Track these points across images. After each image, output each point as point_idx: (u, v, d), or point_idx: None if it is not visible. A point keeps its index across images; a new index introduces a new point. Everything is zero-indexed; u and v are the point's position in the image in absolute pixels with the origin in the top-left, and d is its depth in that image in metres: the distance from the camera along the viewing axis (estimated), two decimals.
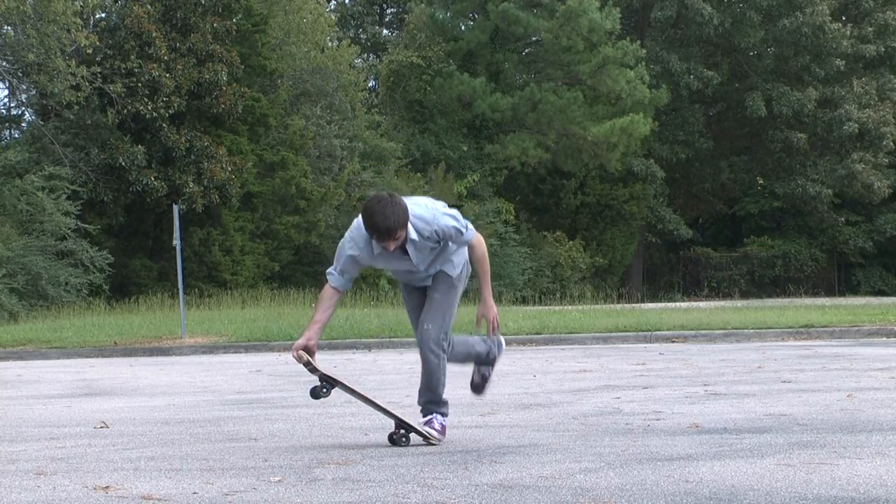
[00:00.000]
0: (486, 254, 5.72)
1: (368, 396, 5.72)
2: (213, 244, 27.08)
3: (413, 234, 5.40)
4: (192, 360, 13.90)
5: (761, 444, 5.27)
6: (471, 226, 5.64)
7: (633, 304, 28.76)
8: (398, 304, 22.18)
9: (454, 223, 5.51)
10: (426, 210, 5.49)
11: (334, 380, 5.54)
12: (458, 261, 5.74)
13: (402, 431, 5.57)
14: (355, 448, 5.50)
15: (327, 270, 5.66)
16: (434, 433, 5.57)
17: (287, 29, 31.41)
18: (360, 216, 5.41)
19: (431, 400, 5.67)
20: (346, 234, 5.60)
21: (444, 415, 5.69)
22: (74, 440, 6.11)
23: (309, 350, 5.57)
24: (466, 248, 5.74)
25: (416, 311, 5.79)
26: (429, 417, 5.64)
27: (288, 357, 13.94)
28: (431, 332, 5.58)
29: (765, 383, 8.49)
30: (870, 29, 41.66)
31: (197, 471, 4.87)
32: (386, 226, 5.24)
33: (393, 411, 5.67)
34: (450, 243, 5.60)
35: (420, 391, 5.72)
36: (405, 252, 5.49)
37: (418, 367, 5.78)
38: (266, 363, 12.80)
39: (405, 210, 5.30)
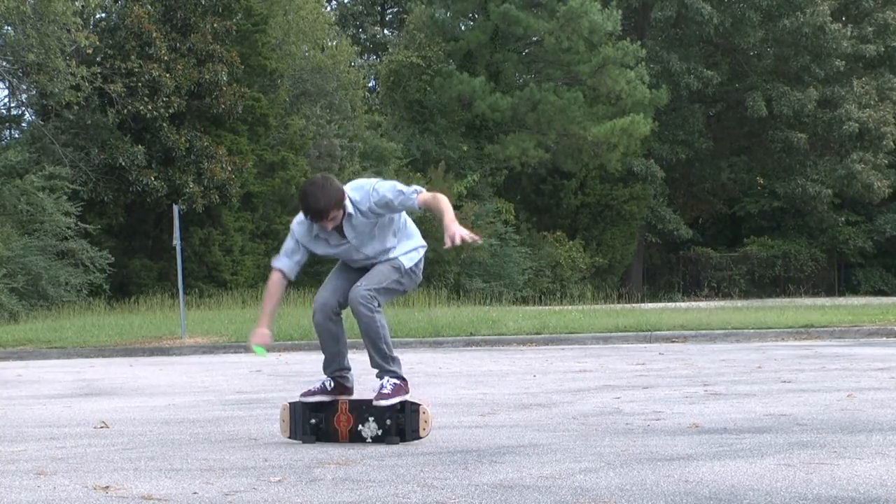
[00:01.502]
0: (444, 199, 5.62)
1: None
2: (213, 244, 27.08)
3: (350, 209, 5.53)
4: (192, 360, 13.90)
5: (761, 444, 5.27)
6: (420, 189, 5.65)
7: (633, 304, 28.76)
8: (398, 305, 22.19)
9: (391, 186, 5.59)
10: (364, 184, 5.63)
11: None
12: (413, 256, 5.79)
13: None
14: (355, 448, 5.50)
15: (275, 257, 5.82)
16: (383, 402, 5.56)
17: (287, 29, 31.41)
18: None
19: (381, 357, 5.65)
20: (294, 221, 5.77)
21: (393, 374, 5.63)
22: (74, 440, 6.11)
23: (265, 339, 5.75)
24: (422, 251, 5.81)
25: (336, 279, 5.79)
26: (380, 383, 5.64)
27: (288, 357, 13.96)
28: (361, 289, 5.61)
29: (765, 383, 8.49)
30: (870, 29, 41.66)
31: (197, 471, 4.87)
32: (317, 207, 5.42)
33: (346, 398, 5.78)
34: (395, 219, 5.67)
35: (369, 355, 5.71)
36: (343, 235, 5.61)
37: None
38: (266, 363, 12.80)
39: (339, 190, 5.46)
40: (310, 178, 5.67)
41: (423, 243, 5.94)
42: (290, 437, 5.83)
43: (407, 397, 5.64)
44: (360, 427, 5.68)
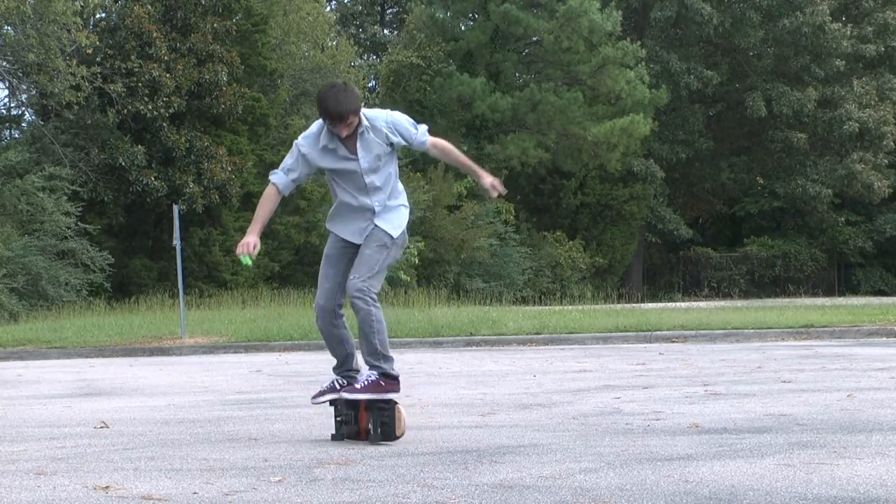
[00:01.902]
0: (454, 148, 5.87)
1: None
2: (213, 244, 27.08)
3: (366, 122, 5.61)
4: (192, 360, 13.90)
5: (761, 444, 5.27)
6: (426, 130, 5.78)
7: (633, 304, 28.76)
8: (398, 304, 22.19)
9: (405, 117, 5.76)
10: (378, 110, 5.76)
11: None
12: (399, 221, 5.78)
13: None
14: (355, 448, 5.50)
15: (272, 171, 5.87)
16: (346, 395, 5.59)
17: (287, 29, 31.41)
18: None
19: (370, 351, 5.64)
20: (301, 135, 5.81)
21: (381, 371, 5.61)
22: (74, 440, 6.11)
23: (251, 248, 5.78)
24: (405, 210, 5.84)
25: (331, 279, 5.78)
26: (364, 376, 5.63)
27: (288, 357, 13.96)
28: (356, 281, 5.62)
29: (765, 383, 8.49)
30: (870, 29, 41.67)
31: (197, 471, 4.87)
32: (338, 109, 5.48)
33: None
34: (392, 174, 5.73)
35: (361, 347, 5.72)
36: (352, 153, 5.63)
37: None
38: (266, 363, 12.81)
39: (358, 97, 5.55)
40: (327, 82, 5.74)
41: (408, 204, 5.96)
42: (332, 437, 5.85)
43: (388, 395, 5.58)
44: (369, 425, 5.71)
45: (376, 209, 5.72)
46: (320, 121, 5.69)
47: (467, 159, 5.91)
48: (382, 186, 5.74)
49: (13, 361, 14.74)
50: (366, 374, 5.65)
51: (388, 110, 5.79)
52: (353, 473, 4.69)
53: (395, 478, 4.55)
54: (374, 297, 5.63)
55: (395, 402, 5.59)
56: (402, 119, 5.74)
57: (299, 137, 5.81)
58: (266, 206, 5.83)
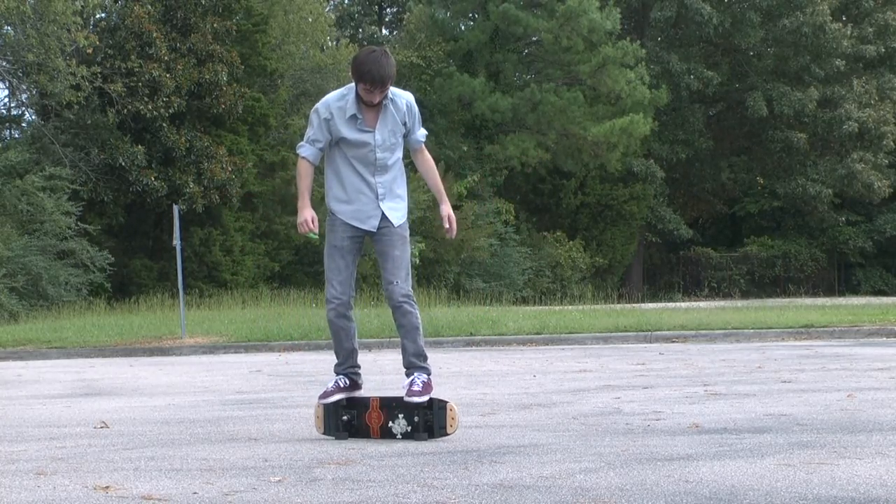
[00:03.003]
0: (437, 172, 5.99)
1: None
2: (213, 244, 27.09)
3: (391, 95, 5.67)
4: (192, 360, 13.90)
5: (761, 444, 5.27)
6: (426, 134, 5.93)
7: (633, 304, 28.76)
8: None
9: (419, 116, 5.87)
10: (402, 91, 5.83)
11: None
12: (404, 211, 5.87)
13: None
14: (355, 448, 5.50)
15: (298, 145, 5.87)
16: (415, 399, 5.61)
17: (287, 29, 31.40)
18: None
19: (417, 353, 5.72)
20: (318, 103, 5.79)
21: (426, 371, 5.71)
22: (74, 440, 6.11)
23: (313, 220, 5.75)
24: (406, 193, 5.92)
25: (342, 271, 5.80)
26: (410, 380, 5.68)
27: (288, 357, 13.97)
28: (400, 287, 5.69)
29: (765, 383, 8.49)
30: (870, 29, 41.67)
31: (197, 471, 4.87)
32: (381, 73, 5.50)
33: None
34: (399, 163, 5.82)
35: (403, 350, 5.76)
36: (370, 125, 5.68)
37: None
38: (266, 363, 12.81)
39: (394, 66, 5.59)
40: (366, 47, 5.80)
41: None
42: (324, 434, 5.88)
43: (433, 395, 5.72)
44: (390, 424, 5.73)
45: (380, 191, 5.74)
46: (344, 89, 5.71)
47: (441, 186, 5.95)
48: (391, 168, 5.77)
49: (13, 361, 14.75)
50: (417, 376, 5.69)
51: (410, 94, 5.87)
52: (353, 473, 4.69)
53: (395, 478, 4.55)
54: (413, 299, 5.78)
55: (447, 402, 5.69)
56: (417, 110, 5.83)
57: (317, 105, 5.77)
58: (305, 179, 5.80)
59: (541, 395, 8.14)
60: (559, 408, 7.18)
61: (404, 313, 5.69)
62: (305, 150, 5.78)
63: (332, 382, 5.85)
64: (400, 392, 5.78)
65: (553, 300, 31.12)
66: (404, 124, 5.75)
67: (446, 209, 5.86)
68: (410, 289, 5.76)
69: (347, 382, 5.82)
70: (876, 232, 42.87)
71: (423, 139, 5.85)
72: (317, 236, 5.82)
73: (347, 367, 5.86)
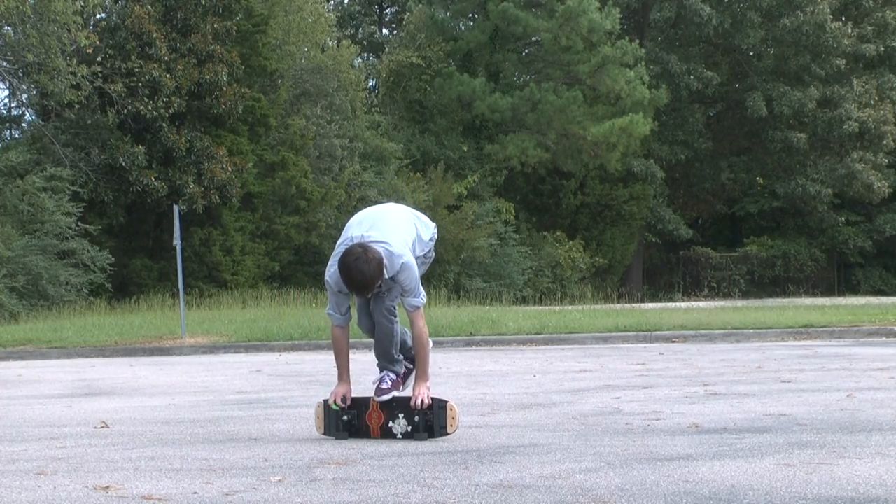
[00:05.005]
0: (427, 336, 5.83)
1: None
2: (213, 244, 27.08)
3: (386, 276, 5.62)
4: (192, 360, 13.90)
5: (761, 444, 5.27)
6: (424, 301, 5.81)
7: (633, 304, 28.76)
8: (398, 305, 22.16)
9: (413, 276, 5.67)
10: (395, 252, 5.60)
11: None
12: (417, 249, 5.90)
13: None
14: (355, 448, 5.50)
15: (327, 311, 5.94)
16: (384, 396, 5.80)
17: (287, 29, 31.39)
18: (333, 259, 5.68)
19: (385, 358, 5.95)
20: (328, 274, 5.74)
21: (395, 372, 5.94)
22: (74, 440, 6.12)
23: (346, 399, 5.85)
24: (430, 237, 6.00)
25: (344, 303, 5.90)
26: (380, 377, 5.90)
27: (288, 357, 13.97)
28: (385, 304, 5.87)
29: (765, 383, 8.49)
30: (870, 28, 41.68)
31: (197, 471, 4.87)
32: (363, 282, 5.49)
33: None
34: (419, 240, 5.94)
35: (376, 352, 6.01)
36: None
37: None
38: (266, 363, 12.81)
39: (379, 262, 5.49)
40: (347, 249, 5.57)
41: (433, 232, 6.10)
42: (324, 434, 5.90)
43: (396, 393, 5.86)
44: (390, 423, 5.77)
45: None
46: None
47: (427, 366, 5.79)
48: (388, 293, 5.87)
49: (13, 361, 14.75)
50: (387, 375, 5.93)
51: (402, 259, 5.63)
52: (353, 473, 4.69)
53: (395, 478, 4.55)
54: (395, 316, 5.95)
55: (447, 401, 5.74)
56: (407, 279, 5.66)
57: (327, 279, 5.74)
58: (342, 356, 5.88)
59: (541, 394, 8.14)
60: (559, 408, 7.18)
61: (378, 325, 5.89)
62: (335, 319, 5.83)
63: (388, 381, 5.96)
64: (399, 393, 5.91)
65: (553, 300, 31.12)
66: (402, 288, 5.72)
67: (419, 390, 5.69)
68: (394, 305, 5.85)
69: (396, 376, 5.98)
70: (876, 232, 42.87)
71: (418, 306, 5.74)
72: (338, 408, 5.85)
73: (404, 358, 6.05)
